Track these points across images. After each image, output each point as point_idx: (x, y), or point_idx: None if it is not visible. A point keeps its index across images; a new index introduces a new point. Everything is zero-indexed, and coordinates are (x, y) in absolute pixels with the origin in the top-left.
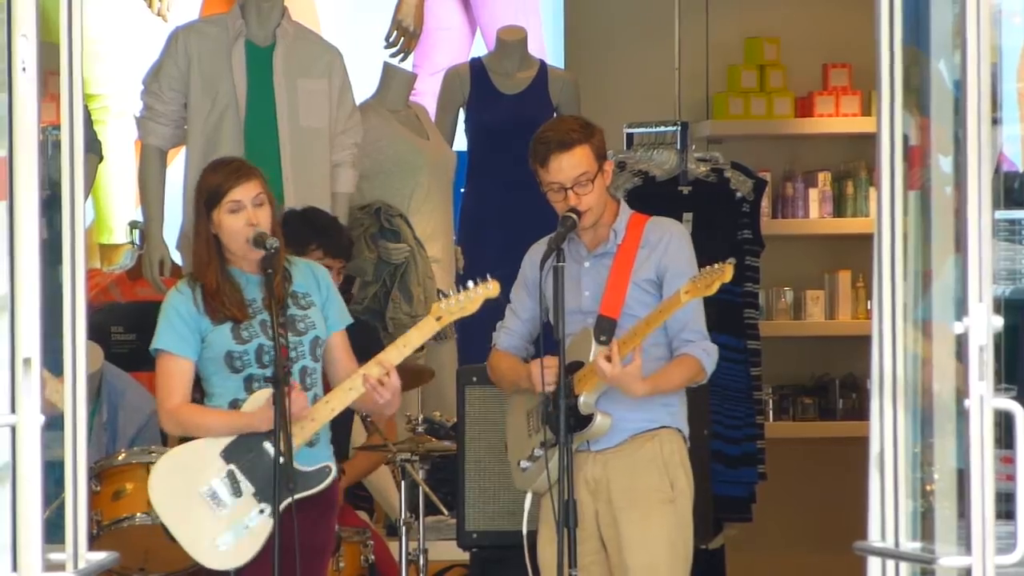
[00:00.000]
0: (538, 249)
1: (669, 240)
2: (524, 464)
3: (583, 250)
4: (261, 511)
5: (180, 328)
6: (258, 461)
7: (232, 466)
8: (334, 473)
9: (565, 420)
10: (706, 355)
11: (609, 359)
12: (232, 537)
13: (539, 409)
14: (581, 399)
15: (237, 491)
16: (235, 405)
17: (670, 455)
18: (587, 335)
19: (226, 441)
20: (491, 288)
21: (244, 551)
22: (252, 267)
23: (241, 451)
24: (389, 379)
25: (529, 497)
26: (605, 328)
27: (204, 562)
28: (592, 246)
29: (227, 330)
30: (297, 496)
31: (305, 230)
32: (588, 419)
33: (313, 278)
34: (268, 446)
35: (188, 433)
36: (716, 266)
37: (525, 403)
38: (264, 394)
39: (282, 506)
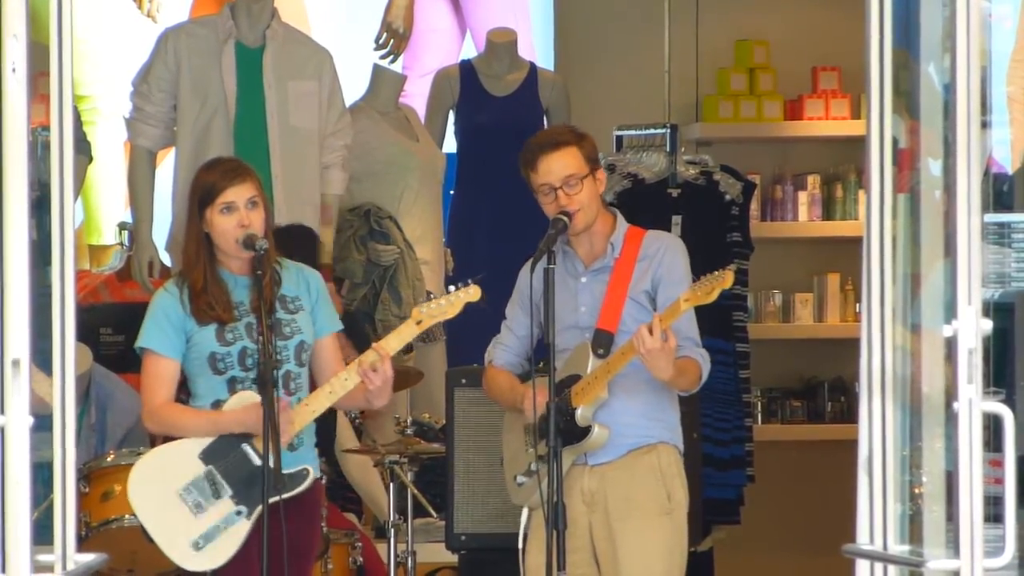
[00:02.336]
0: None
1: (664, 252)
2: (520, 479)
3: (580, 265)
4: (238, 513)
5: (165, 328)
6: (237, 463)
7: (211, 467)
8: (313, 476)
9: (555, 424)
10: (703, 360)
11: (651, 332)
12: (209, 539)
13: (536, 424)
14: (579, 412)
15: (216, 493)
16: (218, 406)
17: (667, 467)
18: (585, 349)
19: (205, 443)
20: (472, 292)
21: (221, 553)
22: (242, 268)
23: (220, 453)
24: (383, 366)
25: (525, 512)
26: (603, 342)
27: (181, 563)
28: (589, 261)
29: (211, 331)
30: (276, 499)
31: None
32: (585, 432)
33: (303, 282)
34: (247, 448)
35: (168, 432)
36: (716, 273)
37: (522, 418)
38: (244, 397)
39: (261, 508)
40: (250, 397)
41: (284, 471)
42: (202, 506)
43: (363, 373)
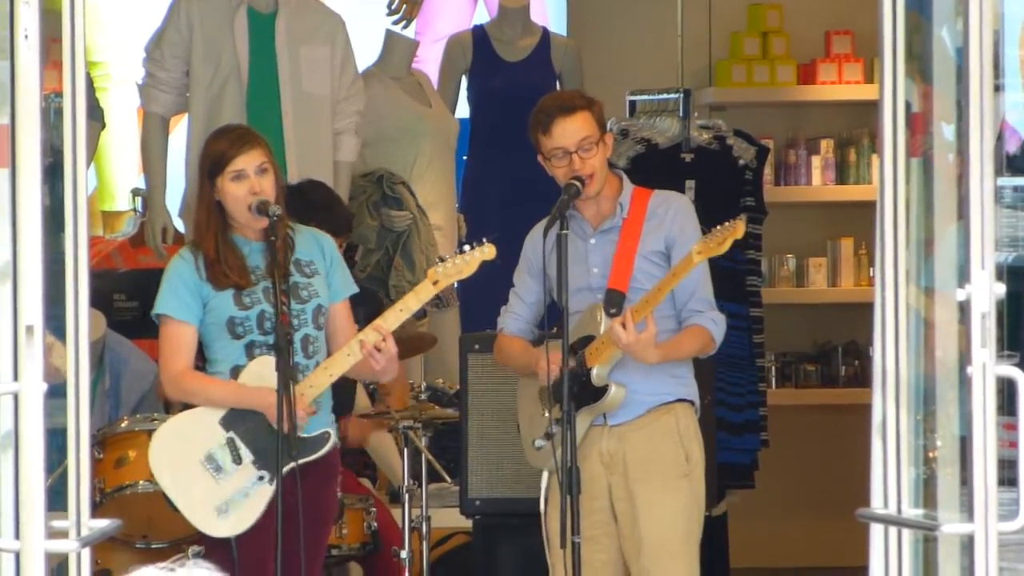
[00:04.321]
0: (539, 230)
1: (676, 211)
2: (539, 443)
3: (587, 227)
4: (260, 478)
5: (182, 293)
6: (257, 428)
7: (231, 433)
8: (333, 439)
9: (569, 388)
10: (715, 325)
11: (624, 326)
12: (232, 505)
13: (550, 388)
14: (594, 372)
15: (237, 459)
16: (236, 371)
17: (686, 428)
18: (597, 309)
19: (224, 409)
20: (487, 251)
21: (244, 518)
22: (256, 235)
23: (240, 419)
24: (385, 345)
25: (545, 475)
26: (615, 301)
27: (205, 530)
28: (596, 222)
29: (229, 296)
30: (293, 464)
31: (302, 207)
32: (602, 392)
33: (317, 246)
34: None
35: (189, 400)
36: (727, 224)
37: (537, 383)
38: (262, 362)
39: (284, 470)
40: (268, 362)
41: (303, 435)
42: (225, 472)
43: (367, 354)
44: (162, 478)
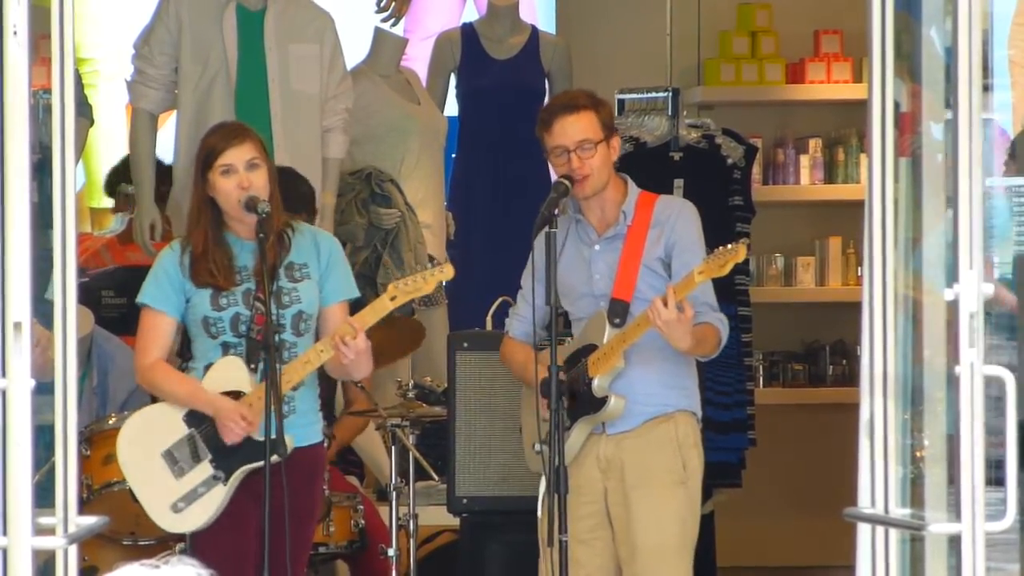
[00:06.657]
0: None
1: (677, 218)
2: (539, 447)
3: (592, 233)
4: (216, 478)
5: (164, 285)
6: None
7: (192, 431)
8: (289, 448)
9: (557, 387)
10: (722, 325)
11: (665, 304)
12: (188, 502)
13: (542, 388)
14: (595, 382)
15: (195, 456)
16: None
17: (684, 436)
18: (601, 318)
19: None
20: (446, 271)
21: (197, 517)
22: (248, 232)
23: (203, 417)
24: (354, 340)
25: (543, 479)
26: (619, 311)
27: (160, 525)
28: (601, 228)
29: (207, 295)
30: (249, 467)
31: None
32: (602, 402)
33: (315, 247)
34: None
35: (154, 393)
36: (730, 247)
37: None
38: (228, 362)
39: (239, 472)
40: (234, 364)
41: (259, 439)
42: (183, 469)
43: (336, 346)
44: (126, 469)
